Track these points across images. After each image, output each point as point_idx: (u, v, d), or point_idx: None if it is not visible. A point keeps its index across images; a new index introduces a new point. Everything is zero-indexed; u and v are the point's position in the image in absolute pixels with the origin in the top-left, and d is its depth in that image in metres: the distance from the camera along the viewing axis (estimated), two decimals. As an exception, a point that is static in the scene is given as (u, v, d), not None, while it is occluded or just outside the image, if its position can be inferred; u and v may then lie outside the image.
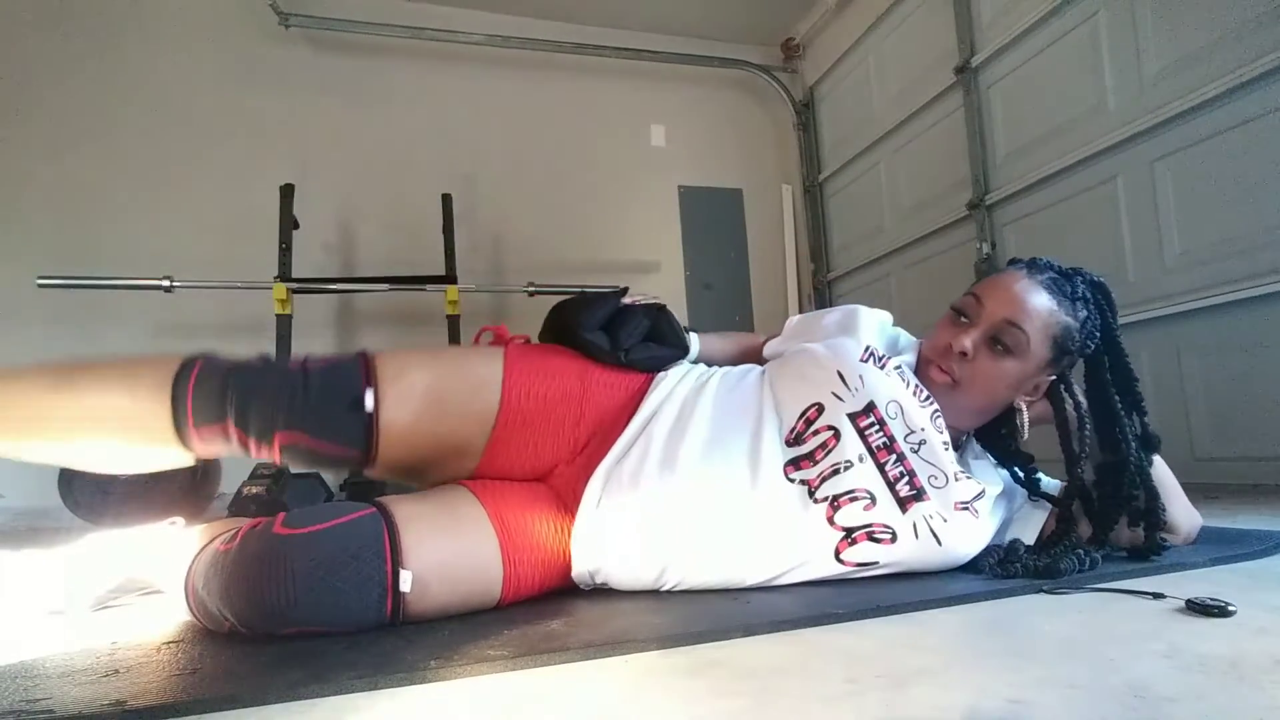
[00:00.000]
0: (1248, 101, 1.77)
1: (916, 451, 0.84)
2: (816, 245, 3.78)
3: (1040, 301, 0.90)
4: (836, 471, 0.83)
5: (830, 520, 0.82)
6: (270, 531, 0.71)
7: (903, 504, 0.83)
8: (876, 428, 0.84)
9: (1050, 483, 0.99)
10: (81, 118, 2.86)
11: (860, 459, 0.83)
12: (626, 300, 1.01)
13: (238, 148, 3.02)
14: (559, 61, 3.50)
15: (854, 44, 3.40)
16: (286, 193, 2.57)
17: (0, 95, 2.79)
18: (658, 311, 1.00)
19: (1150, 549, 0.90)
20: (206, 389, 0.78)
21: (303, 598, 0.68)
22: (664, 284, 3.56)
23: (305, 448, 0.80)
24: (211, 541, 0.77)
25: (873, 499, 0.82)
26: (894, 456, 0.84)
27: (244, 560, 0.70)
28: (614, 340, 0.95)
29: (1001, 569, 0.85)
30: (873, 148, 3.32)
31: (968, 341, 0.89)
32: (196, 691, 0.56)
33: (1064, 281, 0.93)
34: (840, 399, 0.85)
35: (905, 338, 1.01)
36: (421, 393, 0.84)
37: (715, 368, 0.99)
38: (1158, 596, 0.73)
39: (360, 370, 0.83)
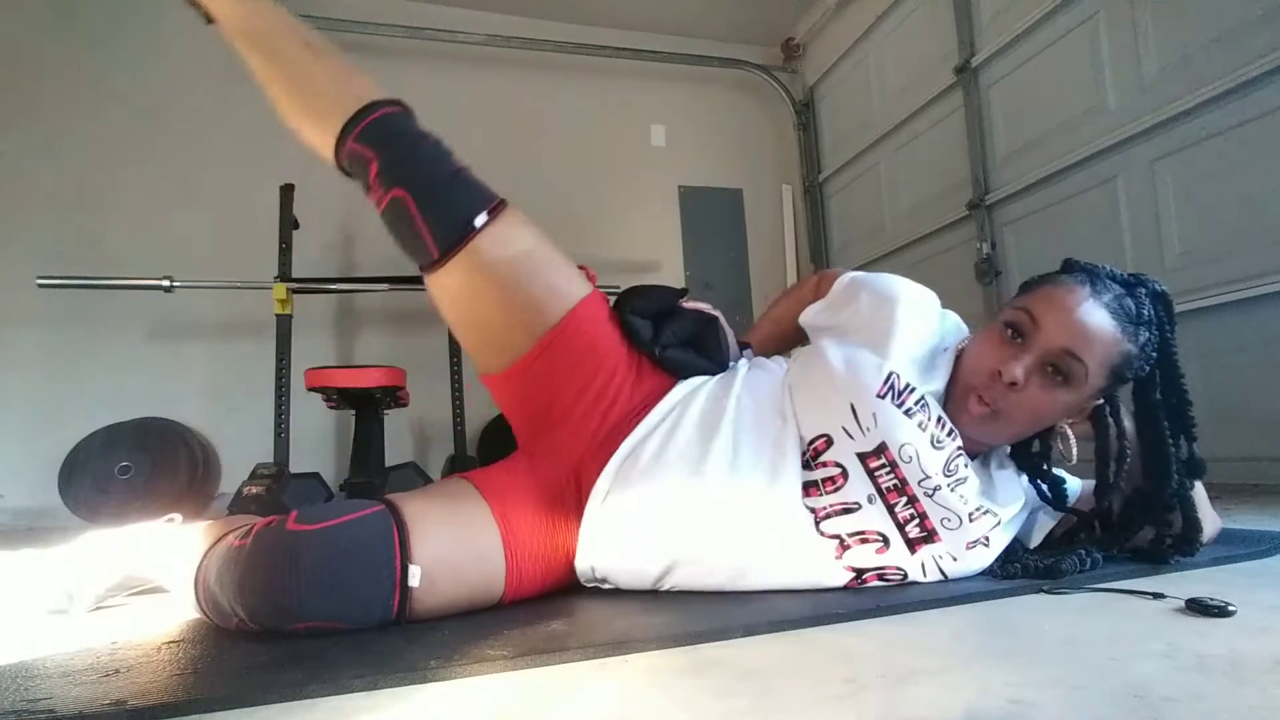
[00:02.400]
0: (1248, 101, 1.77)
1: (930, 496, 0.80)
2: (816, 245, 3.77)
3: (1104, 329, 0.80)
4: (846, 511, 0.80)
5: (839, 559, 0.81)
6: (284, 528, 0.72)
7: (912, 545, 0.81)
8: (888, 470, 0.80)
9: (1073, 488, 0.95)
10: (82, 117, 2.86)
11: (869, 500, 0.80)
12: (685, 303, 0.98)
13: (238, 148, 3.01)
14: (559, 61, 3.50)
15: (854, 44, 3.40)
16: (286, 193, 2.57)
17: (0, 95, 2.79)
18: (708, 321, 0.97)
19: (1163, 559, 0.87)
20: (388, 122, 0.90)
21: (314, 592, 0.69)
22: (664, 284, 3.55)
23: (408, 214, 0.85)
24: (224, 537, 0.78)
25: (885, 541, 0.80)
26: (905, 499, 0.80)
27: (258, 555, 0.71)
28: (656, 334, 0.94)
29: (1001, 569, 0.84)
30: (873, 148, 3.31)
31: (1019, 371, 0.80)
32: (197, 691, 0.56)
33: (1127, 298, 0.84)
34: (850, 436, 0.81)
35: (951, 333, 0.92)
36: (513, 255, 0.88)
37: (738, 366, 0.97)
38: (1158, 596, 0.73)
39: (490, 203, 0.88)
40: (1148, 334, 0.84)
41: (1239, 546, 0.96)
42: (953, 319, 0.94)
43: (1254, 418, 1.77)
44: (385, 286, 2.67)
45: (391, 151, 0.88)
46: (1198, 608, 0.67)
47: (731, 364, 0.98)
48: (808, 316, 0.99)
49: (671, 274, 3.63)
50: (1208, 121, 1.86)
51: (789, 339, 1.07)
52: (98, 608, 0.94)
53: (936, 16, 2.86)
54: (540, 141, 3.46)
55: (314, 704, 0.54)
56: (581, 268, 0.98)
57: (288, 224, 2.54)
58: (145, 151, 2.92)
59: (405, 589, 0.72)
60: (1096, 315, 0.81)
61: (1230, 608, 0.65)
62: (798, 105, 3.83)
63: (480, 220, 0.85)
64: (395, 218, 0.87)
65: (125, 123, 2.91)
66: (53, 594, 0.93)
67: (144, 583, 0.99)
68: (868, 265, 3.37)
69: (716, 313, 0.99)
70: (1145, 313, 0.84)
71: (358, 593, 0.70)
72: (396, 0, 3.27)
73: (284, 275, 2.49)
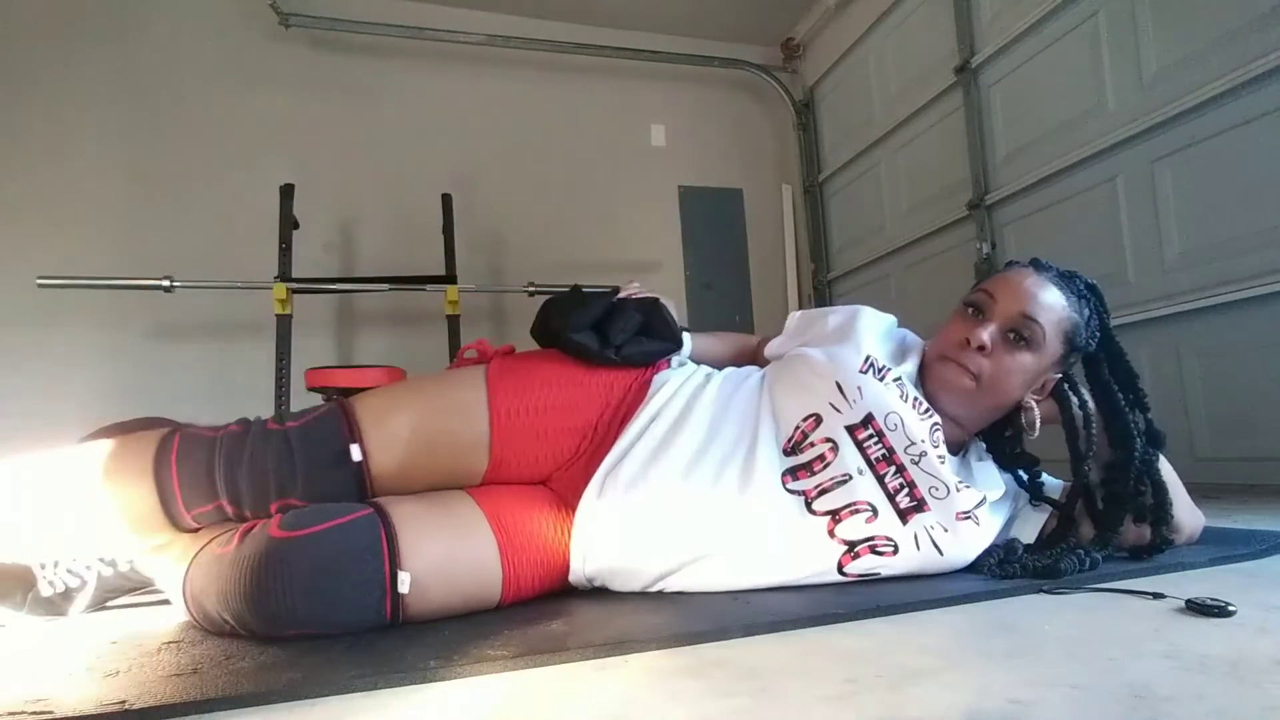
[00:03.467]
0: (1248, 101, 1.77)
1: (917, 463, 0.83)
2: (816, 245, 3.77)
3: (1052, 296, 0.90)
4: (837, 484, 0.82)
5: (831, 534, 0.82)
6: (267, 534, 0.71)
7: (903, 515, 0.83)
8: (875, 439, 0.83)
9: (1053, 484, 0.99)
10: (81, 117, 2.86)
11: (860, 471, 0.82)
12: (622, 294, 0.99)
13: (238, 148, 3.01)
14: (559, 61, 3.49)
15: (854, 44, 3.40)
16: (286, 193, 2.57)
17: (0, 95, 2.79)
18: (650, 305, 0.98)
19: (1155, 547, 0.89)
20: (191, 469, 0.77)
21: (302, 601, 0.68)
22: (664, 284, 3.56)
23: (305, 513, 0.77)
24: (208, 544, 0.77)
25: (874, 511, 0.82)
26: (894, 468, 0.83)
27: (242, 564, 0.70)
28: (605, 338, 0.93)
29: (1001, 569, 0.85)
30: (873, 148, 3.31)
31: (985, 335, 0.88)
32: (196, 691, 0.56)
33: (1066, 280, 0.95)
34: (838, 410, 0.84)
35: (911, 338, 1.00)
36: (407, 435, 0.83)
37: (717, 370, 0.99)
38: (1158, 596, 0.73)
39: (341, 422, 0.82)
40: (1089, 310, 0.94)
41: (1239, 546, 0.96)
42: (910, 333, 1.01)
43: (1254, 418, 1.77)
44: (385, 286, 2.67)
45: (228, 476, 0.77)
46: (1197, 608, 0.67)
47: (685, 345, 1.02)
48: (773, 348, 1.05)
49: (671, 274, 3.64)
50: (1208, 121, 1.86)
51: (724, 358, 1.10)
52: (96, 609, 0.94)
53: (936, 16, 2.86)
54: (540, 141, 3.46)
55: (314, 704, 0.54)
56: (468, 346, 0.97)
57: (288, 224, 2.54)
58: (145, 151, 2.92)
59: (396, 595, 0.71)
60: (1045, 287, 0.92)
61: (1230, 608, 0.65)
62: (798, 105, 3.83)
63: (356, 452, 0.80)
64: (295, 522, 0.75)
65: (125, 122, 2.91)
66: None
67: (141, 585, 0.99)
68: (868, 265, 3.38)
69: (654, 294, 1.01)
70: (1083, 291, 0.95)
71: (347, 601, 0.70)
72: (396, 0, 3.27)
73: (284, 275, 2.49)
